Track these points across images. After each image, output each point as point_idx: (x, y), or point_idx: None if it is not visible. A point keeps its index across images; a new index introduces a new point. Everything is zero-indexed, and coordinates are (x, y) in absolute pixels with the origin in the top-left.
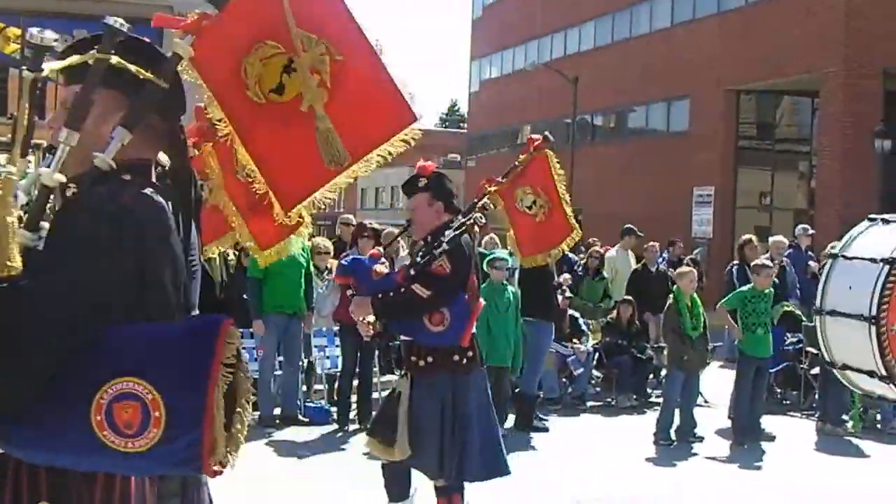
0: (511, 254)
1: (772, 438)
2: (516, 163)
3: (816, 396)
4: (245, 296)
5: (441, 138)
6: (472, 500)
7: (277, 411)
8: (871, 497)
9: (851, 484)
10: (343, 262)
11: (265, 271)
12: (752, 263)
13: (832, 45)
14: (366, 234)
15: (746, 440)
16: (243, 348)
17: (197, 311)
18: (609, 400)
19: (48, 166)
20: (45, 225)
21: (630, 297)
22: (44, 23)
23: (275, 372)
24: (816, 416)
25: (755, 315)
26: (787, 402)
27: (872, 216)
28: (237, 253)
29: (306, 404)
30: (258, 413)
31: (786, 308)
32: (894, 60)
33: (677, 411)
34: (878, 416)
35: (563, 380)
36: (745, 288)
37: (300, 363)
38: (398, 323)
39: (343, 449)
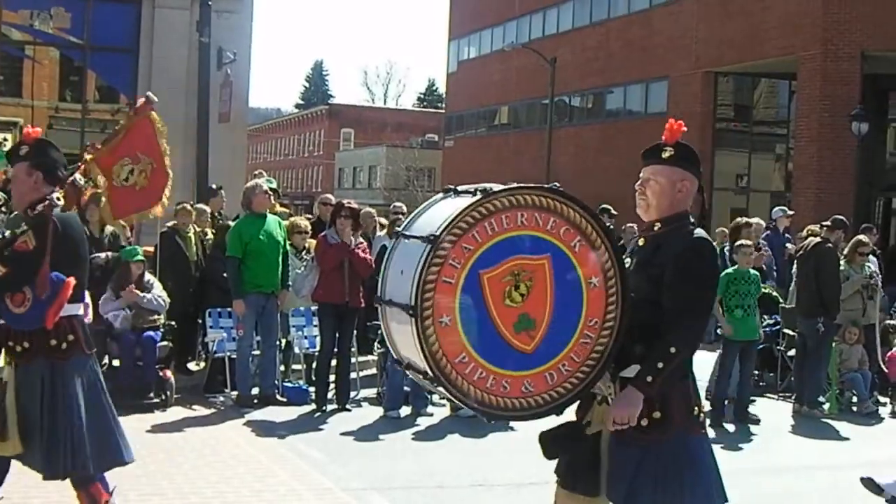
0: None
1: (756, 421)
2: (116, 127)
3: (793, 378)
4: (224, 275)
5: (419, 118)
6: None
7: (255, 391)
8: (848, 476)
9: (829, 464)
10: None
11: (244, 251)
12: (735, 244)
13: (810, 27)
14: (344, 214)
15: (725, 420)
16: (221, 328)
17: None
18: None
19: None
20: None
21: None
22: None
23: (253, 352)
24: (793, 397)
25: (737, 297)
26: (764, 383)
27: (448, 187)
28: (214, 232)
29: (284, 384)
30: (235, 393)
31: (763, 290)
32: (872, 43)
33: None
34: (854, 398)
35: None
36: (729, 270)
37: (278, 343)
38: None
39: (321, 429)
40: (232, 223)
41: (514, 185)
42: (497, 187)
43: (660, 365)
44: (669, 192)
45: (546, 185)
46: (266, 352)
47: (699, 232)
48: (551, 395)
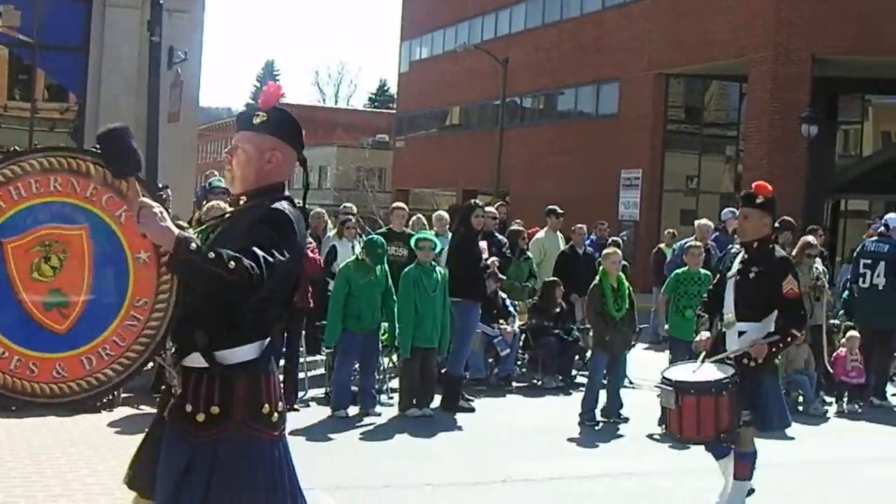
0: (438, 234)
1: None
2: None
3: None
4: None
5: (370, 119)
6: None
7: None
8: (793, 475)
9: (776, 463)
10: None
11: None
12: (684, 245)
13: (761, 30)
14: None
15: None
16: None
17: None
18: (535, 381)
19: None
20: None
21: (557, 278)
22: None
23: None
24: None
25: (686, 297)
26: None
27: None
28: None
29: None
30: None
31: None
32: (823, 46)
33: (602, 392)
34: (801, 399)
35: (490, 360)
36: (679, 270)
37: None
38: None
39: None
40: (183, 223)
41: (48, 146)
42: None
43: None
44: (257, 161)
45: (88, 148)
46: None
47: (280, 204)
48: (89, 381)
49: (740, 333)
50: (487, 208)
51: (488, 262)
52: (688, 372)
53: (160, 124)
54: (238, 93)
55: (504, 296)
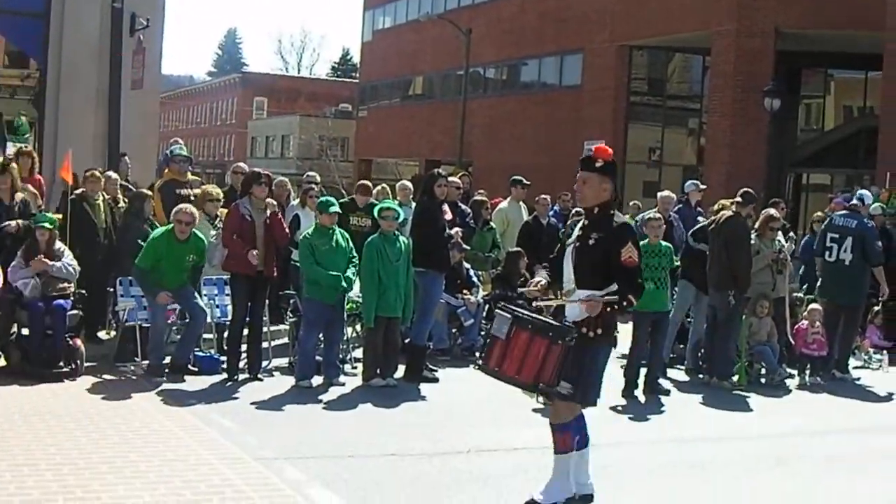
0: (401, 204)
1: (666, 393)
2: None
3: (702, 351)
4: (139, 241)
5: (333, 88)
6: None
7: (166, 360)
8: (755, 447)
9: (737, 435)
10: None
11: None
12: (645, 217)
13: (725, 3)
14: (262, 181)
15: (637, 393)
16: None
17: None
18: None
19: None
20: None
21: (520, 249)
22: None
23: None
24: (703, 368)
25: (648, 270)
26: (674, 355)
27: None
28: (126, 200)
29: (196, 353)
30: (146, 362)
31: (674, 264)
32: (786, 20)
33: None
34: (763, 370)
35: (453, 331)
36: (641, 242)
37: (205, 313)
38: None
39: (233, 398)
40: (146, 191)
41: None
42: None
43: None
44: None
45: None
46: (197, 322)
47: None
48: None
49: (581, 300)
50: (451, 178)
51: (452, 232)
52: (529, 312)
53: (123, 91)
54: (200, 61)
55: (468, 266)
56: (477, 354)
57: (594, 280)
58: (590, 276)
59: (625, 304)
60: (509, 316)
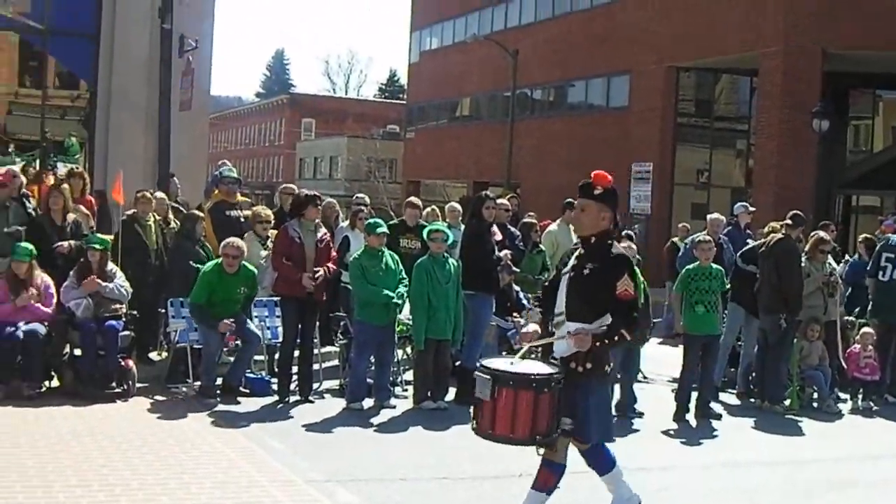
0: (450, 226)
1: (717, 417)
2: None
3: (753, 375)
4: (192, 263)
5: (380, 109)
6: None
7: (218, 382)
8: (808, 472)
9: (790, 460)
10: None
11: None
12: (694, 240)
13: (772, 24)
14: (317, 203)
15: (689, 416)
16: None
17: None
18: None
19: None
20: None
21: None
22: None
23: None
24: (755, 392)
25: (699, 293)
26: (726, 378)
27: None
28: (177, 221)
29: (247, 375)
30: (198, 383)
31: (725, 287)
32: (832, 41)
33: (617, 386)
34: (815, 395)
35: (504, 353)
36: (690, 266)
37: (258, 337)
38: None
39: (284, 420)
40: (199, 212)
41: None
42: None
43: None
44: None
45: None
46: (250, 345)
47: None
48: None
49: (570, 334)
50: (499, 200)
51: (501, 254)
52: (509, 364)
53: (172, 112)
54: (248, 82)
55: (517, 288)
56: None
57: (585, 312)
58: (581, 308)
59: (616, 338)
60: (488, 377)
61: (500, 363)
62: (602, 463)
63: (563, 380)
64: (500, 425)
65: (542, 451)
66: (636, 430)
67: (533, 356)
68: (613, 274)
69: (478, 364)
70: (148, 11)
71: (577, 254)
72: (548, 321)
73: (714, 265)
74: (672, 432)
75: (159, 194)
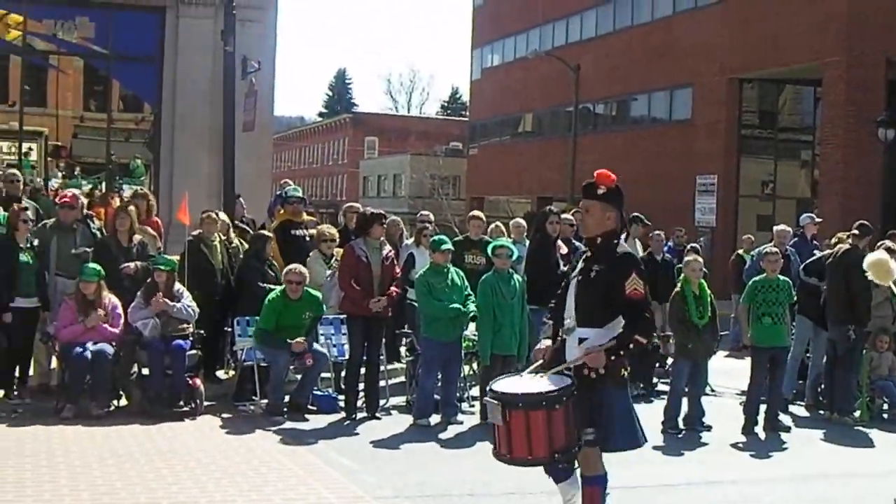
0: (515, 242)
1: (787, 429)
2: None
3: (822, 386)
4: (261, 283)
5: (443, 126)
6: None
7: (285, 399)
8: (878, 484)
9: (860, 471)
10: None
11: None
12: (761, 252)
13: (835, 33)
14: (384, 221)
15: (758, 429)
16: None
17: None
18: None
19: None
20: None
21: None
22: (45, 10)
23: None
24: (824, 404)
25: (766, 305)
26: (795, 391)
27: None
28: (248, 241)
29: (314, 392)
30: (265, 401)
31: (792, 298)
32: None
33: (685, 400)
34: (885, 406)
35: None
36: (757, 277)
37: (325, 355)
38: None
39: (351, 437)
40: (268, 233)
41: None
42: None
43: None
44: None
45: None
46: (318, 364)
47: None
48: None
49: (581, 340)
50: (564, 215)
51: (565, 269)
52: (518, 384)
53: (235, 134)
54: (311, 101)
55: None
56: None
57: (595, 316)
58: (591, 313)
59: (631, 346)
60: (498, 402)
61: (509, 384)
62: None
63: (578, 389)
64: (517, 448)
65: (563, 466)
66: (705, 444)
67: (541, 374)
68: (621, 273)
69: (488, 389)
70: (210, 34)
71: (584, 256)
72: (558, 330)
73: (781, 277)
74: (741, 445)
75: (221, 214)
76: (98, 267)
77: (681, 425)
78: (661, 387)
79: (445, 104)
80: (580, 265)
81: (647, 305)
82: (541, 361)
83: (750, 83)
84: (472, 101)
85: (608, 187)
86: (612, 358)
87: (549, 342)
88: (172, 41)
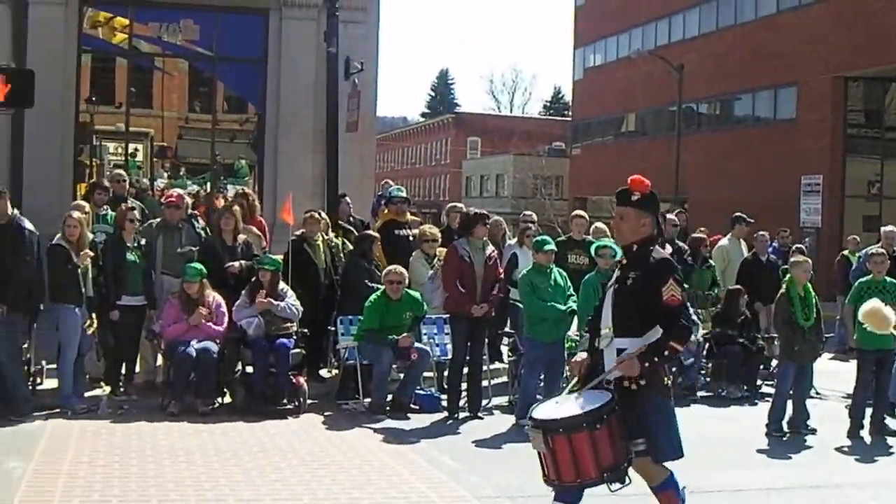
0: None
1: (893, 433)
2: None
3: None
4: (367, 282)
5: (546, 126)
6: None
7: (388, 398)
8: None
9: None
10: None
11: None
12: (868, 253)
13: None
14: (487, 221)
15: (863, 433)
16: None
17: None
18: (719, 390)
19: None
20: None
21: (740, 287)
22: (150, 13)
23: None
24: None
25: None
26: None
27: None
28: (354, 241)
29: (417, 391)
30: (368, 399)
31: None
32: None
33: (789, 402)
34: None
35: (673, 370)
36: (863, 279)
37: (428, 356)
38: None
39: (453, 437)
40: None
41: None
42: None
43: None
44: None
45: None
46: (421, 363)
47: None
48: None
49: (619, 351)
50: (667, 215)
51: None
52: (557, 408)
53: (339, 134)
54: (413, 102)
55: (686, 304)
56: (697, 394)
57: (633, 325)
58: (628, 322)
59: (666, 353)
60: (539, 429)
61: (548, 410)
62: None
63: (620, 403)
64: (565, 473)
65: (615, 486)
66: (809, 447)
67: (576, 395)
68: (657, 280)
69: (527, 417)
70: (313, 36)
71: (620, 264)
72: (594, 341)
73: (888, 278)
74: (846, 449)
75: (323, 214)
76: (200, 266)
77: (785, 428)
78: (765, 389)
79: (548, 104)
80: (616, 273)
81: (682, 312)
82: (577, 377)
83: (855, 81)
84: (575, 101)
85: (643, 193)
86: (647, 364)
87: (584, 354)
88: (276, 43)
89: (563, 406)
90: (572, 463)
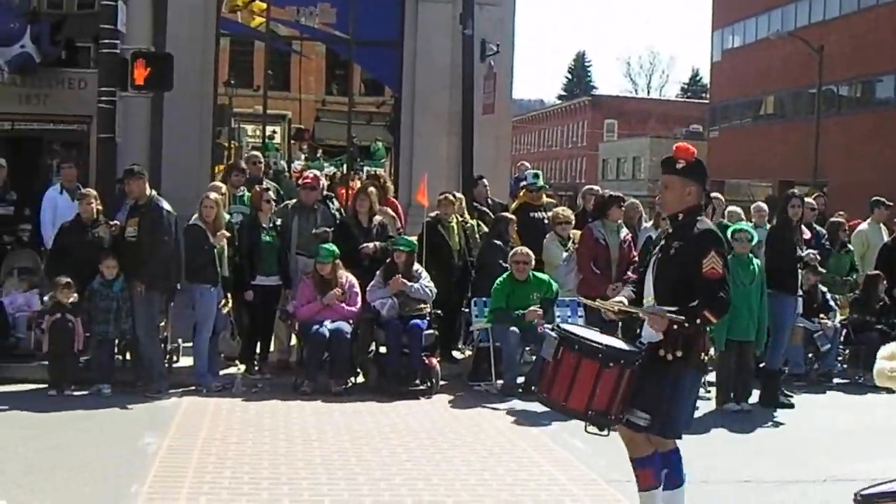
0: (756, 226)
1: None
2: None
3: None
4: (501, 262)
5: (683, 109)
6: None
7: (520, 380)
8: None
9: None
10: None
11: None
12: None
13: None
14: (622, 204)
15: None
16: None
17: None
18: (857, 378)
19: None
20: None
21: (879, 272)
22: None
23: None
24: None
25: None
26: None
27: None
28: (480, 223)
29: None
30: (500, 381)
31: None
32: None
33: None
34: None
35: (810, 356)
36: None
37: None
38: None
39: None
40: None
41: None
42: None
43: None
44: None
45: None
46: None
47: None
48: None
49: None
50: (806, 199)
51: (803, 254)
52: (588, 332)
53: (475, 116)
54: (550, 84)
55: (824, 290)
56: (834, 381)
57: (675, 295)
58: (670, 291)
59: (698, 321)
60: (556, 337)
61: (578, 329)
62: (676, 472)
63: (646, 368)
64: (556, 391)
65: (590, 428)
66: None
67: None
68: (699, 251)
69: (554, 325)
70: (449, 18)
71: (666, 233)
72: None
73: None
74: None
75: (458, 195)
76: (333, 247)
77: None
78: None
79: (685, 86)
80: (661, 243)
81: (721, 285)
82: (597, 303)
83: None
84: (713, 83)
85: (688, 161)
86: (675, 327)
87: (622, 298)
88: (412, 25)
89: (594, 334)
90: (568, 384)
